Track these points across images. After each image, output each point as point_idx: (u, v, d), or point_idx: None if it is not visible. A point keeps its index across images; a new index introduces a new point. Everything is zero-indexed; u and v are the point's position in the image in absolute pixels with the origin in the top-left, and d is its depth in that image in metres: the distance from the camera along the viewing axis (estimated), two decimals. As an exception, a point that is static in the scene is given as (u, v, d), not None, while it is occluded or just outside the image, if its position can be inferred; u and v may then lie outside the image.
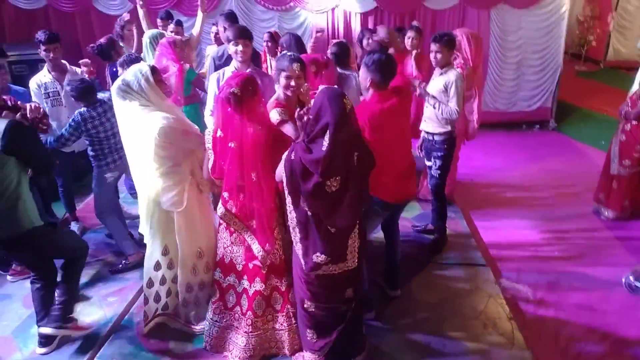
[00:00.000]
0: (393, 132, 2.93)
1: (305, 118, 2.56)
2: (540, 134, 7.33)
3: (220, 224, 2.90)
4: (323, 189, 2.32)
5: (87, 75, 4.17)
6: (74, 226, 4.48)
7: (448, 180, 4.11)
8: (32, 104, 2.84)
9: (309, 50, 4.58)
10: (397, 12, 6.78)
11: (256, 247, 2.77)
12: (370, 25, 6.50)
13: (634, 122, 4.40)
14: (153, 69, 2.90)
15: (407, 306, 3.43)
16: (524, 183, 5.57)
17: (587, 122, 7.40)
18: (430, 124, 3.87)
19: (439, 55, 3.69)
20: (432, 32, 5.80)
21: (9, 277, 3.83)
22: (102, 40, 4.58)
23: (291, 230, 2.56)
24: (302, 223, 2.46)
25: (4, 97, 2.96)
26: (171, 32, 4.93)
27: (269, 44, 4.53)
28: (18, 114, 2.84)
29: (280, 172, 2.47)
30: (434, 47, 3.69)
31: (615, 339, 3.24)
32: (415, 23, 5.34)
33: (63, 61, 4.14)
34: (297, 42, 4.23)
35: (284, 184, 2.44)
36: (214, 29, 5.36)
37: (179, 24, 5.21)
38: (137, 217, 3.29)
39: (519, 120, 7.41)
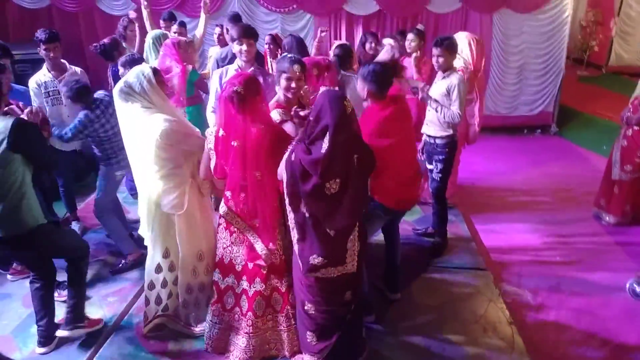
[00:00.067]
0: (398, 138, 2.94)
1: (302, 114, 2.57)
2: (542, 139, 7.33)
3: (219, 225, 2.90)
4: (322, 191, 2.32)
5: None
6: (74, 226, 4.49)
7: (449, 184, 4.11)
8: (32, 108, 2.84)
9: (313, 50, 4.59)
10: (399, 16, 6.78)
11: (259, 246, 2.77)
12: (373, 29, 6.51)
13: (636, 128, 4.39)
14: (155, 71, 2.91)
15: (407, 309, 3.43)
16: (525, 187, 5.57)
17: (588, 127, 7.39)
18: (432, 127, 3.87)
19: (440, 59, 3.70)
20: (435, 35, 5.81)
21: (9, 276, 3.83)
22: (106, 40, 4.59)
23: (291, 231, 2.56)
24: (299, 224, 2.46)
25: (12, 102, 2.99)
26: (174, 33, 4.95)
27: (271, 46, 4.54)
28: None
29: (281, 172, 2.47)
30: (435, 51, 3.70)
31: (615, 345, 3.23)
32: (419, 26, 5.33)
33: (62, 60, 4.12)
34: (299, 44, 4.24)
35: (284, 185, 2.44)
36: (217, 30, 5.38)
37: (182, 25, 5.22)
38: (137, 221, 3.29)
39: (521, 124, 7.41)
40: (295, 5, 6.65)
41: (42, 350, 3.05)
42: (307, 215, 2.39)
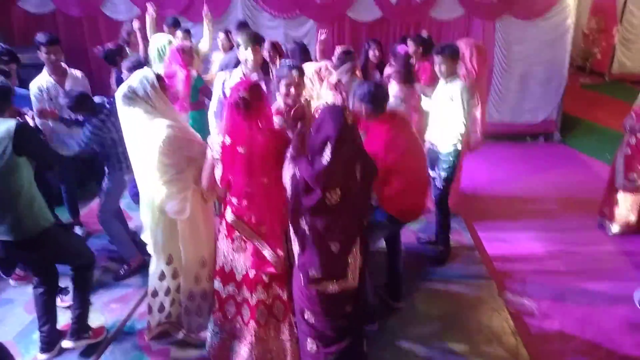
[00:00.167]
0: (403, 149, 2.95)
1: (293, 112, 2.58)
2: (545, 146, 7.31)
3: (219, 232, 2.88)
4: (324, 203, 2.32)
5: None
6: (77, 230, 4.49)
7: (452, 192, 4.10)
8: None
9: (317, 53, 4.59)
10: (402, 23, 6.80)
11: (268, 253, 2.75)
12: (377, 35, 6.51)
13: (639, 136, 4.39)
14: (158, 76, 2.91)
15: (410, 318, 3.41)
16: (528, 195, 5.55)
17: (592, 134, 7.38)
18: (436, 134, 3.87)
19: (443, 67, 3.71)
20: (438, 42, 5.81)
21: (11, 282, 3.82)
22: (111, 45, 4.60)
23: (292, 243, 2.56)
24: (300, 238, 2.46)
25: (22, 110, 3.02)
26: (178, 39, 4.95)
27: (270, 52, 4.55)
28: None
29: (286, 182, 2.46)
30: (437, 59, 3.71)
31: (620, 356, 3.20)
32: (424, 34, 5.32)
33: (62, 64, 4.11)
34: (303, 51, 4.27)
35: (288, 199, 2.44)
36: (221, 35, 5.39)
37: (186, 32, 5.23)
38: (140, 227, 3.28)
39: (524, 132, 7.39)
40: (298, 11, 6.67)
41: (44, 356, 3.05)
42: (307, 231, 2.39)
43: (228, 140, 2.60)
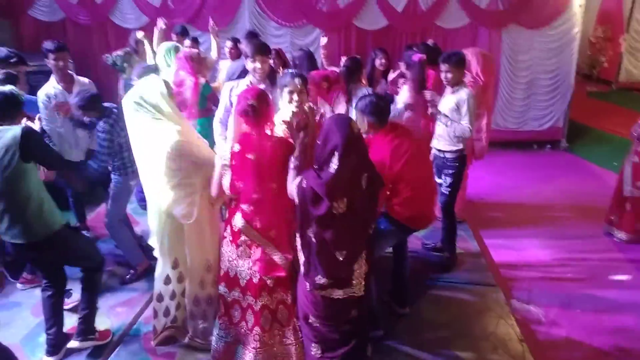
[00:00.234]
0: (407, 157, 2.96)
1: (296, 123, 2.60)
2: (552, 154, 7.29)
3: (224, 237, 2.88)
4: (331, 212, 2.33)
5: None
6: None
7: (458, 199, 4.10)
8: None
9: (322, 58, 4.60)
10: (408, 31, 6.83)
11: (278, 257, 2.76)
12: (383, 44, 6.53)
13: (647, 144, 4.38)
14: (166, 83, 2.94)
15: (415, 325, 3.40)
16: (535, 202, 5.53)
17: (599, 143, 7.37)
18: (442, 141, 3.88)
19: (449, 75, 3.72)
20: (444, 51, 5.83)
21: (19, 285, 3.85)
22: (119, 52, 4.65)
23: (298, 250, 2.57)
24: (306, 246, 2.47)
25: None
26: (186, 47, 4.99)
27: (275, 60, 4.58)
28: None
29: (292, 192, 2.48)
30: (443, 67, 3.72)
31: (628, 364, 3.18)
32: (430, 42, 5.34)
33: (70, 71, 4.14)
34: (309, 59, 4.30)
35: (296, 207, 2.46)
36: (228, 43, 5.44)
37: (195, 41, 5.27)
38: (147, 232, 3.30)
39: (531, 139, 7.38)
40: (304, 20, 6.73)
41: (50, 359, 3.06)
42: (313, 240, 2.40)
43: (237, 148, 2.62)
